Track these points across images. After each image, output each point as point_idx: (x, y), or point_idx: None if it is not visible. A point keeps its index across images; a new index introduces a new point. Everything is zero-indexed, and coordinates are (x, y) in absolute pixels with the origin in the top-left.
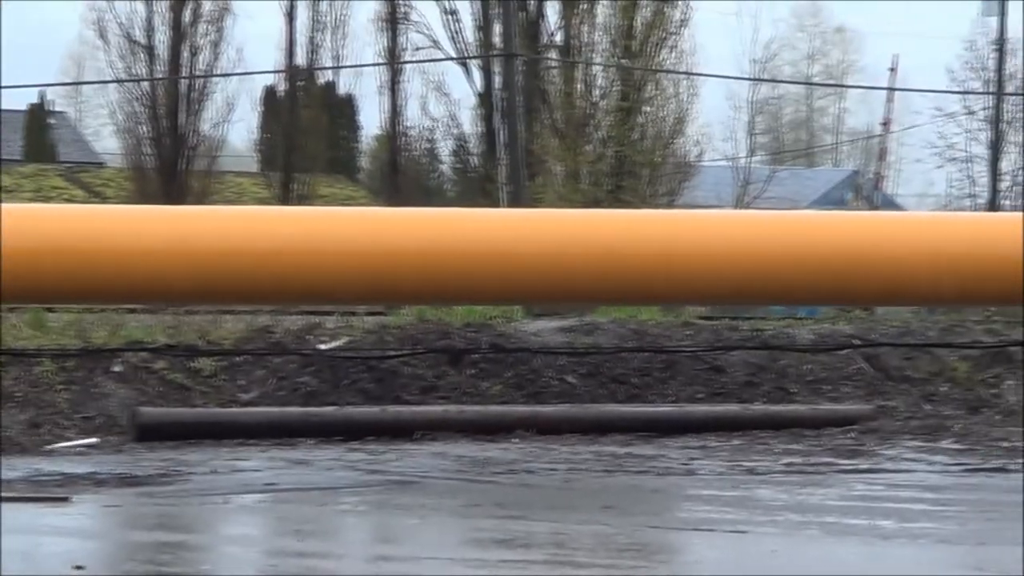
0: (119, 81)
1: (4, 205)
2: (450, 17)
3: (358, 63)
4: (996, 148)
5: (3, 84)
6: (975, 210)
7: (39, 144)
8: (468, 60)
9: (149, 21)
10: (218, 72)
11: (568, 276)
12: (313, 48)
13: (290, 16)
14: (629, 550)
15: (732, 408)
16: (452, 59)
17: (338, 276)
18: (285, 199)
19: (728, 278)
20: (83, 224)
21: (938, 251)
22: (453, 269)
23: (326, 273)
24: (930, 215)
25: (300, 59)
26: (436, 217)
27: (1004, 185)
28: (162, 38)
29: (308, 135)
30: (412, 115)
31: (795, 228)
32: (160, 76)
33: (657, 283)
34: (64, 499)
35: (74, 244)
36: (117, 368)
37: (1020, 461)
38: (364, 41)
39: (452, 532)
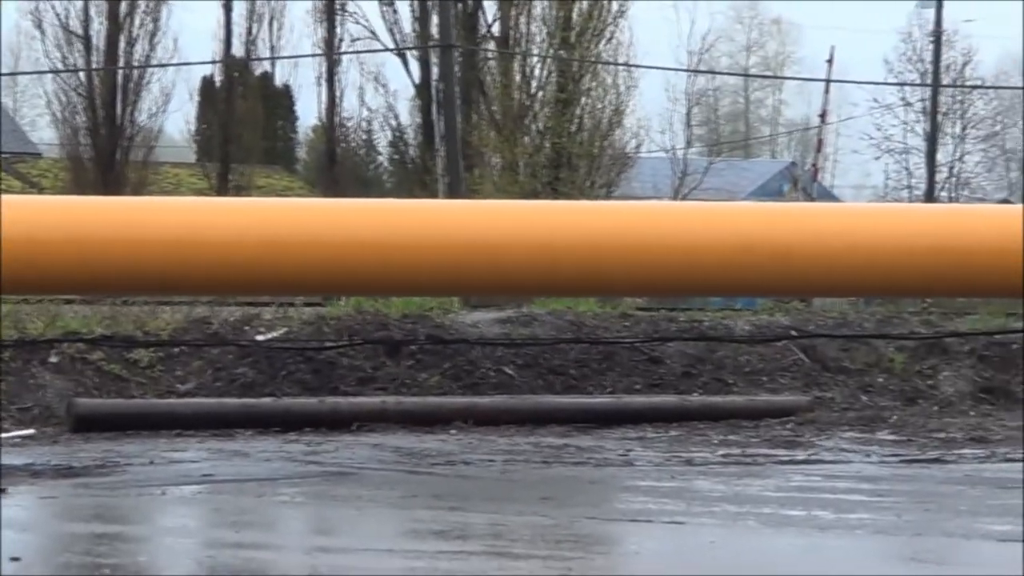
0: (56, 72)
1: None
2: (388, 8)
3: (295, 54)
4: (933, 139)
5: None
6: (911, 201)
7: None
8: (406, 51)
9: (86, 11)
10: (155, 62)
11: (503, 267)
12: (250, 39)
13: (227, 7)
14: (567, 541)
15: (670, 399)
16: (390, 50)
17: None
18: (222, 190)
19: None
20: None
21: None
22: (394, 260)
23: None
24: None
25: (237, 50)
26: (375, 208)
27: (941, 176)
28: (99, 28)
29: (245, 126)
30: (350, 106)
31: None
32: (97, 66)
33: (604, 274)
34: (0, 491)
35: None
36: (53, 359)
37: (963, 451)
38: (301, 32)
39: (389, 523)
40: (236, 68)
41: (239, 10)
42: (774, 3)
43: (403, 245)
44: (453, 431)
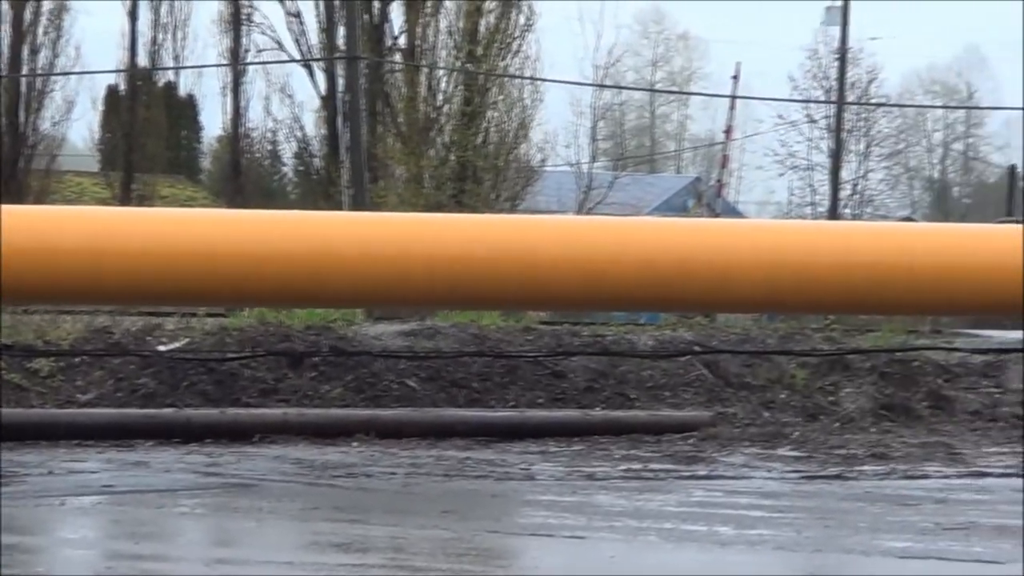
0: None
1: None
2: (294, 19)
3: (200, 63)
4: (837, 156)
5: None
6: (815, 218)
7: None
8: (311, 62)
9: None
10: (58, 71)
11: (405, 280)
12: (155, 48)
13: (133, 15)
14: (468, 555)
15: (572, 414)
16: (295, 61)
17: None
18: (125, 199)
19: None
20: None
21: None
22: (301, 272)
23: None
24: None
25: (142, 59)
26: (291, 220)
27: (845, 193)
28: (1, 36)
29: (149, 135)
30: (255, 116)
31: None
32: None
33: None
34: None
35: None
36: None
37: (863, 468)
38: (206, 42)
39: (290, 535)
40: (140, 77)
41: (144, 19)
42: (681, 18)
43: (307, 256)
44: (355, 443)
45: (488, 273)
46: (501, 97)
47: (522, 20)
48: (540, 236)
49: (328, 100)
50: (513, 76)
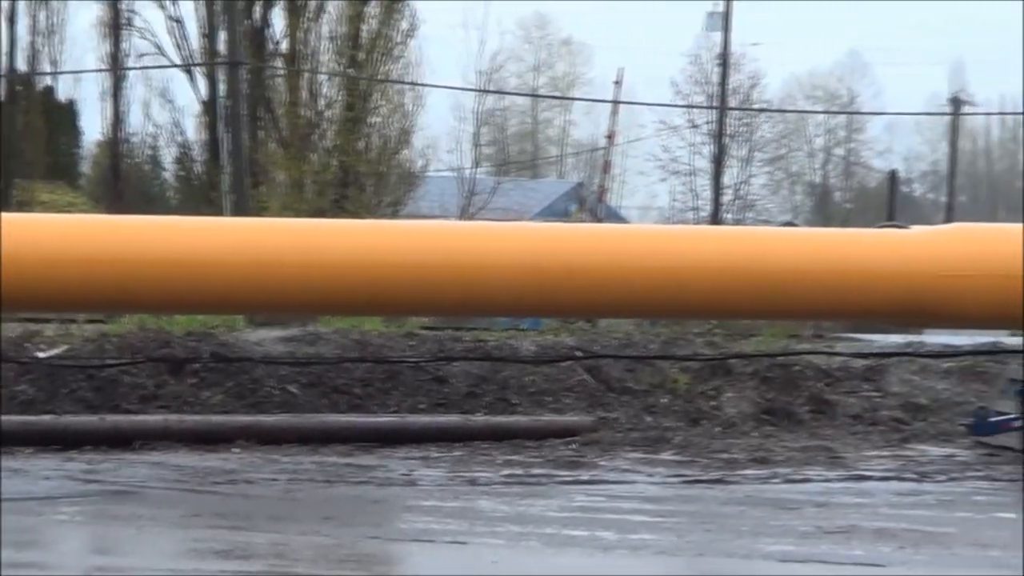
0: None
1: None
2: (175, 23)
3: (79, 68)
4: (719, 162)
5: None
6: (697, 223)
7: None
8: (192, 67)
9: None
10: None
11: (282, 285)
12: (33, 52)
13: (11, 20)
14: (349, 561)
15: (454, 419)
16: (176, 66)
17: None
18: (3, 205)
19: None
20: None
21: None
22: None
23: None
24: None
25: (19, 63)
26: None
27: (727, 198)
28: None
29: (27, 140)
30: (135, 122)
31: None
32: None
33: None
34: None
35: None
36: None
37: (745, 472)
38: (85, 46)
39: (170, 542)
40: (19, 82)
41: (23, 23)
42: (564, 24)
43: (187, 262)
44: (236, 450)
45: (369, 279)
46: (383, 102)
47: (405, 25)
48: (423, 242)
49: (209, 105)
50: (395, 82)
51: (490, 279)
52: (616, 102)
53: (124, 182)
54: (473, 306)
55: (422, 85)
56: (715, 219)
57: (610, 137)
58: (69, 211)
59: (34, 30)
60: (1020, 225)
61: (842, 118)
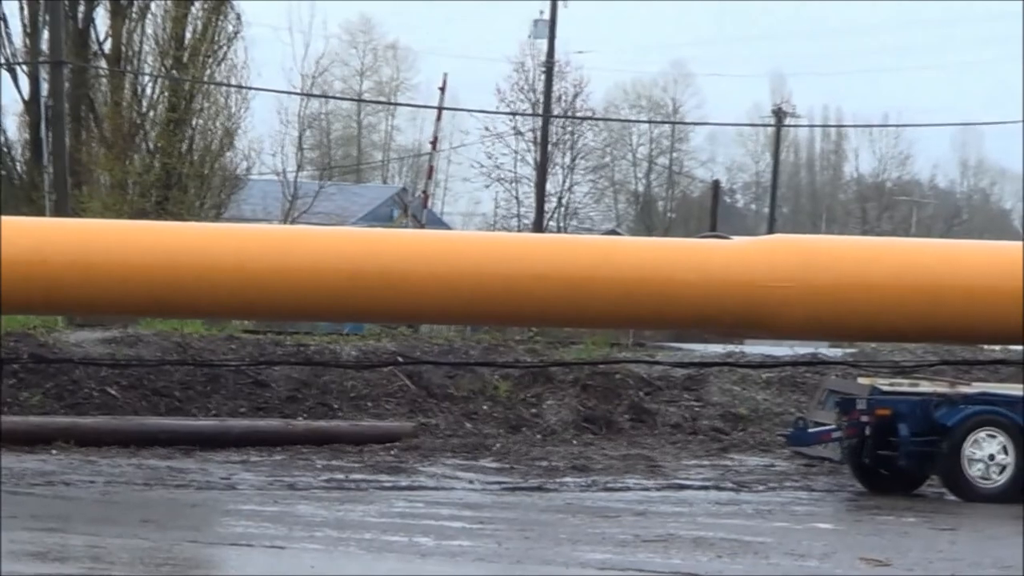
0: None
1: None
2: None
3: None
4: (543, 169)
5: None
6: (521, 230)
7: None
8: (15, 66)
9: None
10: None
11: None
12: None
13: None
14: (167, 565)
15: (274, 423)
16: None
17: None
18: None
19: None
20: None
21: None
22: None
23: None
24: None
25: None
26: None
27: (550, 206)
28: None
29: None
30: None
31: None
32: None
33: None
34: None
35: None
36: None
37: (565, 479)
38: None
39: None
40: None
41: None
42: (390, 28)
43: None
44: (54, 451)
45: (191, 282)
46: (207, 104)
47: (229, 28)
48: (245, 245)
49: (32, 105)
50: (218, 83)
51: (310, 284)
52: (440, 108)
53: None
54: (292, 311)
55: (246, 88)
56: (538, 226)
57: (434, 143)
58: None
59: None
60: (841, 236)
61: (666, 127)
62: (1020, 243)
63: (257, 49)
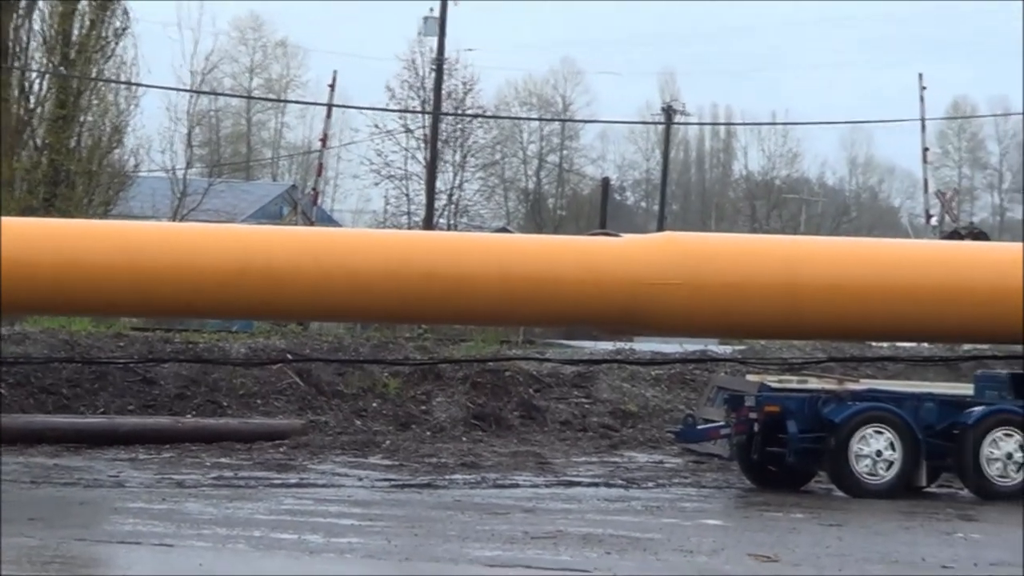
0: None
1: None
2: None
3: None
4: (432, 167)
5: None
6: (411, 227)
7: None
8: None
9: None
10: None
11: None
12: None
13: None
14: (55, 562)
15: (163, 420)
16: None
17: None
18: None
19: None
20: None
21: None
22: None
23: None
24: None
25: None
26: None
27: (440, 203)
28: None
29: None
30: None
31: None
32: None
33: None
34: None
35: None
36: None
37: (454, 476)
38: None
39: None
40: None
41: None
42: (280, 26)
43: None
44: None
45: (81, 281)
46: (96, 101)
47: (117, 24)
48: (133, 242)
49: None
50: (107, 80)
51: (198, 281)
52: (330, 105)
53: None
54: (180, 308)
55: (135, 84)
56: (428, 224)
57: (324, 140)
58: None
59: None
60: (730, 234)
61: (556, 125)
62: (902, 239)
63: (145, 46)
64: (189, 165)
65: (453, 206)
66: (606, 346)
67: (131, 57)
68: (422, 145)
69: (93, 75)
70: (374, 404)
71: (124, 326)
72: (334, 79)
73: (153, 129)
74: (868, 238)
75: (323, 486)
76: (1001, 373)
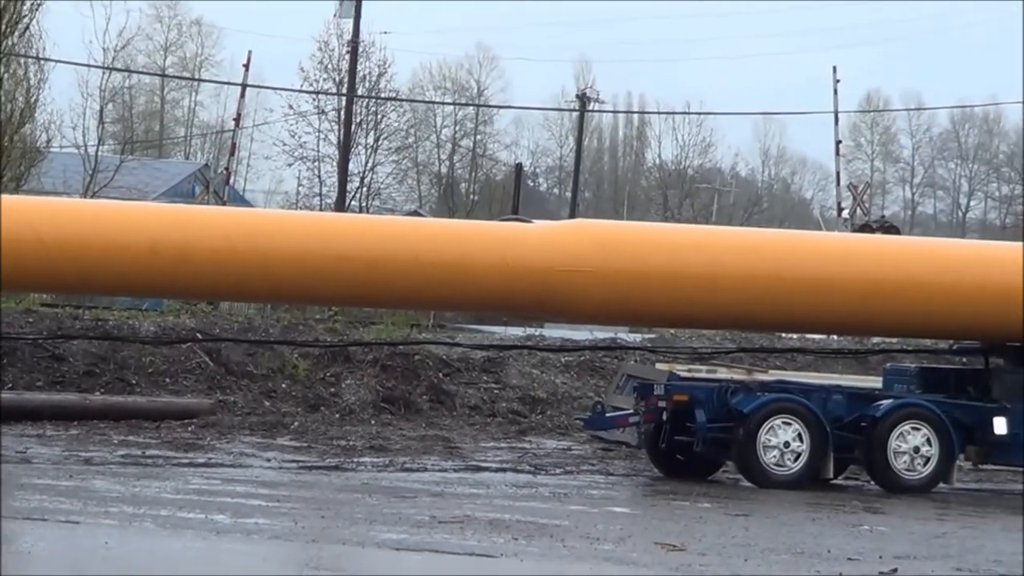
0: None
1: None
2: None
3: None
4: (345, 149)
5: None
6: (323, 209)
7: None
8: None
9: None
10: None
11: None
12: None
13: None
14: None
15: (71, 397)
16: None
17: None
18: None
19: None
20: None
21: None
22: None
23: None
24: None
25: None
26: None
27: (353, 186)
28: None
29: None
30: None
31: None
32: None
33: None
34: None
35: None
36: None
37: (362, 459)
38: None
39: None
40: None
41: None
42: (194, 4)
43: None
44: None
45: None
46: (6, 76)
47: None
48: (43, 217)
49: None
50: (18, 55)
51: (109, 258)
52: (244, 85)
53: None
54: (90, 285)
55: (46, 60)
56: (340, 206)
57: (237, 120)
58: None
59: None
60: (641, 223)
61: (470, 110)
62: (811, 231)
63: (57, 20)
64: (101, 142)
65: (365, 189)
66: (516, 332)
67: (41, 31)
68: (336, 127)
69: (4, 50)
70: (283, 385)
71: (33, 302)
72: (248, 59)
73: (65, 105)
74: (777, 229)
75: (231, 466)
76: (910, 367)
